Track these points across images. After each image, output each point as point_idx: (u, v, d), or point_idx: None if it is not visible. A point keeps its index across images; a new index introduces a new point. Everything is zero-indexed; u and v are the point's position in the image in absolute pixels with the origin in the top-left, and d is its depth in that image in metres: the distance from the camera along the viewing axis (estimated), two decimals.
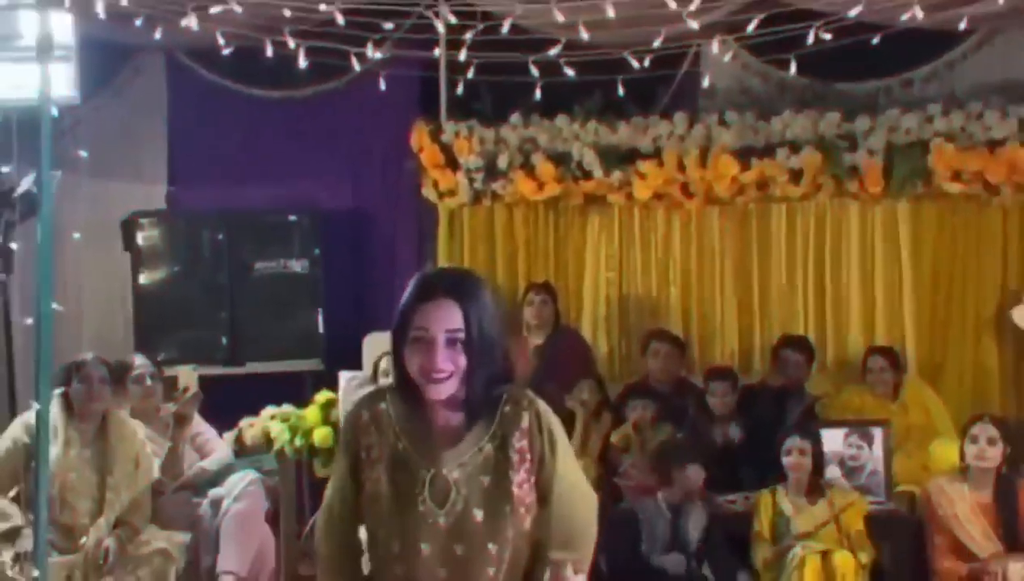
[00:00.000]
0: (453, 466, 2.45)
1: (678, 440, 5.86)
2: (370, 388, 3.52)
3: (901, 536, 5.60)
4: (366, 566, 2.54)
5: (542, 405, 2.54)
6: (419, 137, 7.14)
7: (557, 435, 2.54)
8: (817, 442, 5.55)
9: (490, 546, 2.43)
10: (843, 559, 5.25)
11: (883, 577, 5.53)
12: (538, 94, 6.86)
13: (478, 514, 2.42)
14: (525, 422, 2.48)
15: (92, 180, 7.35)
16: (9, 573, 4.61)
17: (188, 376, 5.37)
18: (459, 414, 2.49)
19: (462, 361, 2.43)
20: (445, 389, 2.43)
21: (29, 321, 3.86)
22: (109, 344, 6.89)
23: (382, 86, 6.97)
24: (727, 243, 7.10)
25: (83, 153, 3.94)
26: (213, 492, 5.39)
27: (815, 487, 5.52)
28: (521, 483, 2.46)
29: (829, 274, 6.97)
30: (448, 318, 2.42)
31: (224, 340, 7.30)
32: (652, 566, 5.37)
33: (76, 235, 3.98)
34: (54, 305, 3.89)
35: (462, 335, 2.42)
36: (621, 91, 6.88)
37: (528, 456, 2.47)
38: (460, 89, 6.99)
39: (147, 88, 7.74)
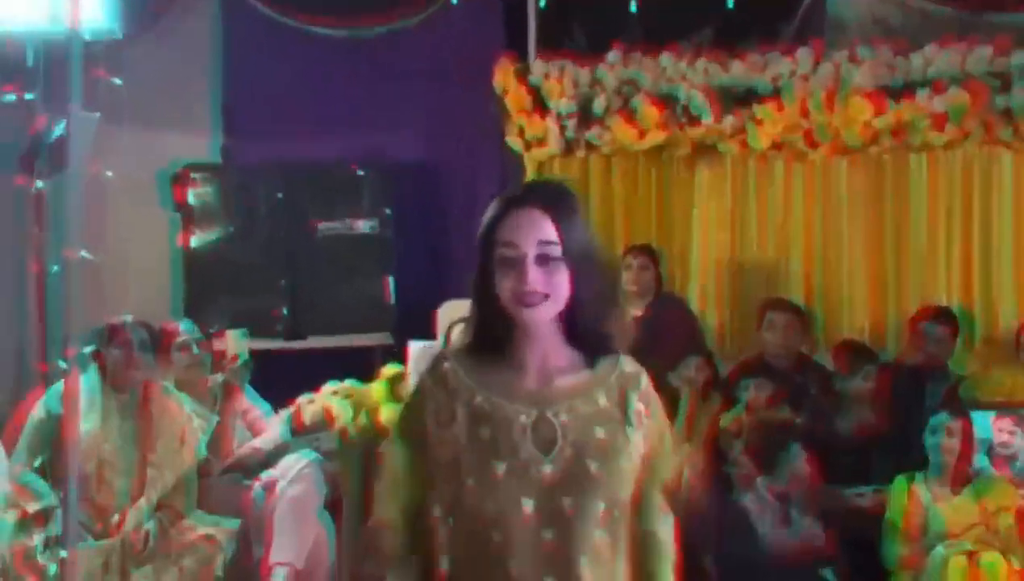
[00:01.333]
0: (561, 409, 2.35)
1: (783, 419, 5.71)
2: None
3: None
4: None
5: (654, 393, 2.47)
6: (503, 77, 7.05)
7: (662, 412, 2.48)
8: (968, 423, 5.38)
9: (601, 504, 2.32)
10: (993, 561, 5.10)
11: None
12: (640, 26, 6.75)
13: (592, 465, 2.32)
14: (644, 385, 2.42)
15: (131, 130, 7.34)
16: (39, 559, 4.61)
17: (236, 342, 5.33)
18: (564, 352, 2.40)
19: (560, 280, 2.33)
20: (541, 314, 2.34)
21: (55, 269, 3.84)
22: (151, 311, 6.89)
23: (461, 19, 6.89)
24: (858, 200, 6.93)
25: (116, 81, 3.87)
26: (266, 475, 5.35)
27: (963, 476, 5.35)
28: (637, 446, 2.38)
29: (977, 235, 6.78)
30: (539, 229, 2.33)
31: (284, 311, 7.27)
32: (767, 562, 5.27)
33: (108, 173, 3.92)
34: (83, 253, 3.87)
35: (557, 249, 2.32)
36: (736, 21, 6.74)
37: (646, 421, 2.40)
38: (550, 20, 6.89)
39: (197, 28, 7.71)
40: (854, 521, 5.55)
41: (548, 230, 2.33)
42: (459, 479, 2.33)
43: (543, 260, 2.32)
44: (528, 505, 2.30)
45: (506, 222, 2.35)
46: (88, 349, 4.14)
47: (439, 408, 2.38)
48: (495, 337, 2.39)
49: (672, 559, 2.46)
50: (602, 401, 2.37)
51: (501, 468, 2.30)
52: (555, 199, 2.38)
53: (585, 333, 2.39)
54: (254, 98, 7.66)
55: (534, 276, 2.31)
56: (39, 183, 4.91)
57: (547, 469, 2.31)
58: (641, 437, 2.38)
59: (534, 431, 2.33)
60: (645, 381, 2.43)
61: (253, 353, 6.73)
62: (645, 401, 2.40)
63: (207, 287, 7.20)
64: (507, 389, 2.37)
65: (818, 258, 7.02)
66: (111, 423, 4.98)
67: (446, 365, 2.41)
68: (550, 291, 2.32)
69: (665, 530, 2.45)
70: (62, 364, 4.00)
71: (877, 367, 6.22)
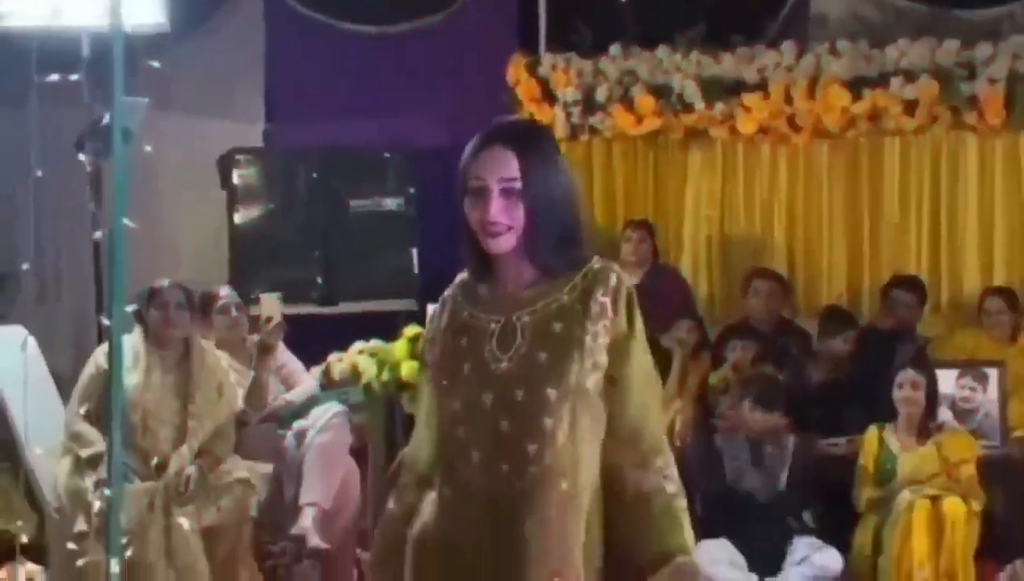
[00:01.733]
0: (523, 313, 2.32)
1: (766, 378, 5.63)
2: None
3: (1015, 482, 5.32)
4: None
5: (631, 286, 2.38)
6: (516, 70, 6.98)
7: (637, 320, 2.36)
8: (932, 378, 5.31)
9: (549, 391, 2.27)
10: (954, 506, 5.02)
11: (995, 524, 5.26)
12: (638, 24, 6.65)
13: (541, 355, 2.28)
14: (613, 281, 2.33)
15: (188, 119, 7.32)
16: (89, 499, 4.56)
17: (271, 305, 5.25)
18: (532, 270, 2.36)
19: (520, 214, 2.29)
20: (502, 243, 2.30)
21: (97, 234, 3.78)
22: (206, 285, 6.87)
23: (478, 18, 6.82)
24: (836, 179, 6.79)
25: (155, 64, 3.80)
26: (297, 424, 5.29)
27: (926, 427, 5.27)
28: (596, 335, 2.30)
29: (945, 212, 6.63)
30: (502, 167, 2.28)
31: (318, 279, 7.22)
32: (739, 495, 5.22)
33: (147, 148, 3.85)
34: (126, 221, 3.80)
35: (517, 185, 2.28)
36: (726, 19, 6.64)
37: (608, 313, 2.31)
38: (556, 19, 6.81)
39: (243, 26, 7.68)
40: (829, 468, 5.48)
41: (511, 167, 2.28)
42: (439, 383, 2.37)
43: (507, 193, 2.28)
44: (487, 398, 2.28)
45: (478, 158, 2.32)
46: (131, 308, 4.07)
47: (437, 326, 2.42)
48: (477, 259, 2.38)
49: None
50: (565, 299, 2.32)
51: (467, 367, 2.32)
52: (521, 137, 2.34)
53: (543, 258, 2.33)
54: (293, 88, 7.63)
55: (496, 208, 2.27)
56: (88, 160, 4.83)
57: (504, 365, 2.29)
58: (602, 328, 2.30)
59: (500, 334, 2.32)
60: (615, 279, 2.34)
61: (290, 318, 6.69)
62: (612, 297, 2.32)
63: (250, 259, 7.15)
64: (485, 303, 2.37)
65: (800, 232, 6.89)
66: (154, 377, 4.92)
67: (449, 291, 2.44)
68: (512, 223, 2.28)
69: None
70: (105, 321, 3.94)
71: (856, 332, 6.12)
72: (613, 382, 2.34)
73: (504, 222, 2.28)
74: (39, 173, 4.05)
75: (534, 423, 2.27)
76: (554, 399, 2.27)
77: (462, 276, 2.45)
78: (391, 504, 2.50)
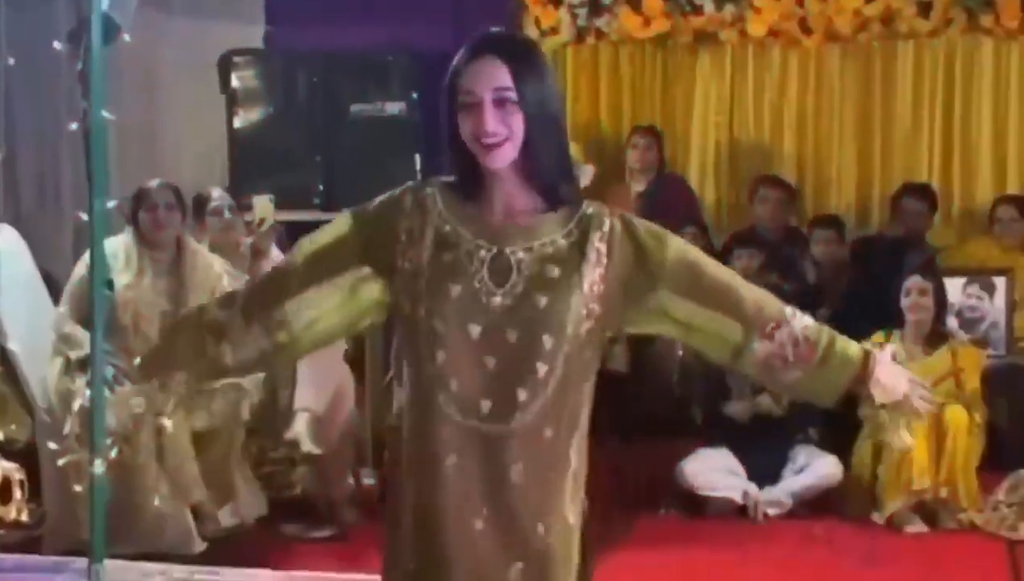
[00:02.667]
0: (519, 248, 2.23)
1: (772, 282, 5.56)
2: None
3: (1020, 392, 5.26)
4: None
5: (635, 219, 2.30)
6: None
7: (646, 240, 2.26)
8: (940, 285, 5.25)
9: (546, 338, 2.20)
10: (957, 415, 5.01)
11: (999, 435, 5.23)
12: None
13: (541, 300, 2.20)
14: (607, 226, 2.25)
15: (186, 19, 7.21)
16: (80, 401, 4.55)
17: (264, 207, 5.18)
18: (527, 196, 2.27)
19: (516, 124, 2.20)
20: (501, 155, 2.21)
21: (73, 126, 3.71)
22: (208, 183, 6.82)
23: None
24: (848, 84, 6.70)
25: None
26: None
27: (935, 336, 5.22)
28: (592, 284, 2.23)
29: (958, 118, 6.56)
30: (495, 76, 2.19)
31: (320, 185, 7.15)
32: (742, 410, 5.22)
33: (126, 37, 3.77)
34: (105, 113, 3.74)
35: (512, 95, 2.19)
36: None
37: (605, 260, 2.24)
38: None
39: None
40: None
41: (503, 77, 2.19)
42: (416, 294, 2.23)
43: (500, 104, 2.19)
44: (475, 330, 2.20)
45: (467, 71, 2.21)
46: (112, 204, 4.02)
47: (412, 226, 2.26)
48: (467, 179, 2.27)
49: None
50: (561, 242, 2.24)
51: (455, 291, 2.21)
52: (509, 47, 2.24)
53: (543, 176, 2.25)
54: None
55: (491, 119, 2.18)
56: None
57: (497, 299, 2.21)
58: (598, 275, 2.23)
59: (492, 264, 2.22)
60: (609, 223, 2.25)
61: (290, 224, 6.65)
62: (608, 242, 2.24)
63: (250, 163, 7.08)
64: (473, 224, 2.26)
65: (810, 138, 6.82)
66: (146, 279, 4.87)
67: (428, 190, 2.29)
68: (508, 134, 2.20)
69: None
70: (83, 217, 3.88)
71: (832, 230, 6.11)
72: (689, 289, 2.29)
73: (502, 132, 2.20)
74: (11, 61, 3.96)
75: (526, 368, 2.20)
76: (550, 346, 2.21)
77: (442, 180, 2.32)
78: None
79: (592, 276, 2.23)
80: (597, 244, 2.24)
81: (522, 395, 2.20)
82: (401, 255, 2.26)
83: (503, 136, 2.20)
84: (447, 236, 2.25)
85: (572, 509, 2.27)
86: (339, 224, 2.36)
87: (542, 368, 2.20)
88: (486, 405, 2.20)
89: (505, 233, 2.25)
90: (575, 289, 2.21)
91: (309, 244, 2.36)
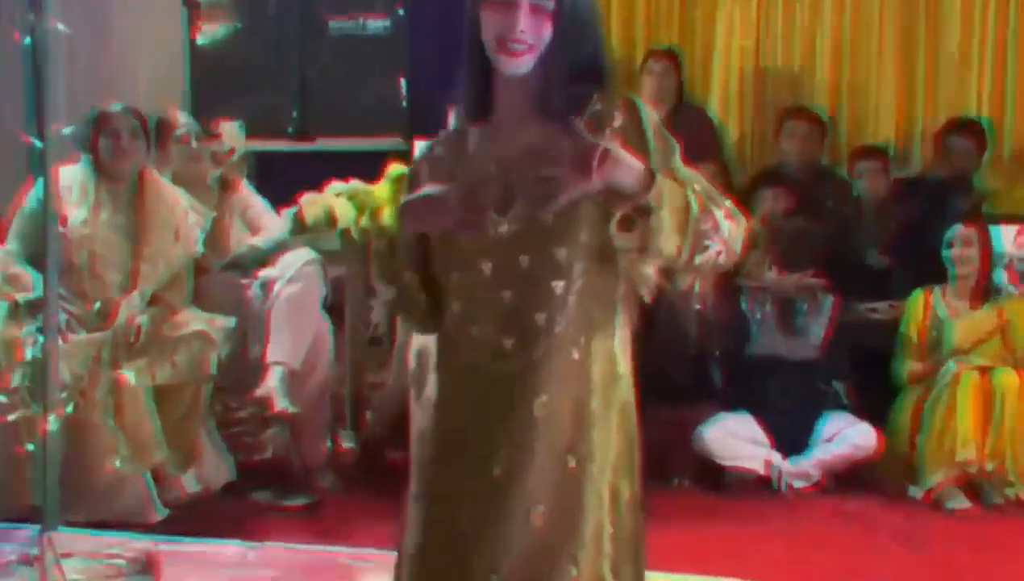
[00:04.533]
0: (519, 172, 2.32)
1: (793, 232, 5.60)
2: None
3: None
4: None
5: (647, 109, 2.37)
6: None
7: (651, 141, 2.33)
8: (988, 234, 5.29)
9: (558, 250, 2.31)
10: (1007, 378, 5.06)
11: None
12: None
13: (546, 217, 2.27)
14: (617, 122, 2.33)
15: None
16: (27, 350, 4.57)
17: (232, 134, 5.20)
18: (538, 108, 2.35)
19: (546, 33, 2.31)
20: (521, 63, 2.30)
21: (26, 41, 3.70)
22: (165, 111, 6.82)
23: None
24: (889, 4, 6.69)
25: None
26: (264, 272, 5.26)
27: (981, 290, 5.27)
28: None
29: (1012, 43, 6.54)
30: None
31: (293, 111, 7.15)
32: (765, 365, 5.24)
33: None
34: (60, 26, 3.73)
35: (550, 4, 2.30)
36: None
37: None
38: None
39: None
40: (867, 336, 5.48)
41: None
42: (433, 251, 2.40)
43: (536, 11, 2.29)
44: (487, 266, 2.32)
45: None
46: (67, 130, 4.02)
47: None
48: (478, 94, 2.37)
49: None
50: (566, 146, 2.28)
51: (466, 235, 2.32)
52: None
53: (555, 85, 2.32)
54: None
55: (527, 21, 2.28)
56: None
57: (503, 228, 2.31)
58: None
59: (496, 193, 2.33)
60: (620, 118, 2.33)
61: (260, 154, 6.65)
62: (622, 133, 2.32)
63: (214, 85, 7.08)
64: (476, 161, 2.38)
65: (846, 67, 6.82)
66: (103, 214, 4.87)
67: (437, 150, 2.46)
68: (536, 42, 2.30)
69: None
70: (37, 143, 3.88)
71: (878, 161, 6.13)
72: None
73: (529, 39, 2.29)
74: None
75: (542, 289, 2.31)
76: (564, 259, 2.30)
77: (440, 136, 2.48)
78: None
79: None
80: (607, 139, 2.28)
81: (541, 319, 2.31)
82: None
83: (529, 43, 2.29)
84: (451, 173, 2.38)
85: (607, 435, 2.35)
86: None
87: (558, 286, 2.31)
88: (508, 343, 2.32)
89: (507, 158, 2.35)
90: (584, 196, 2.25)
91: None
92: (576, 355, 2.32)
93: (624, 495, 2.39)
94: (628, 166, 2.21)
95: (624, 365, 2.40)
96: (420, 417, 2.43)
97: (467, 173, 2.35)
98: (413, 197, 2.37)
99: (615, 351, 2.38)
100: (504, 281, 2.32)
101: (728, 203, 2.36)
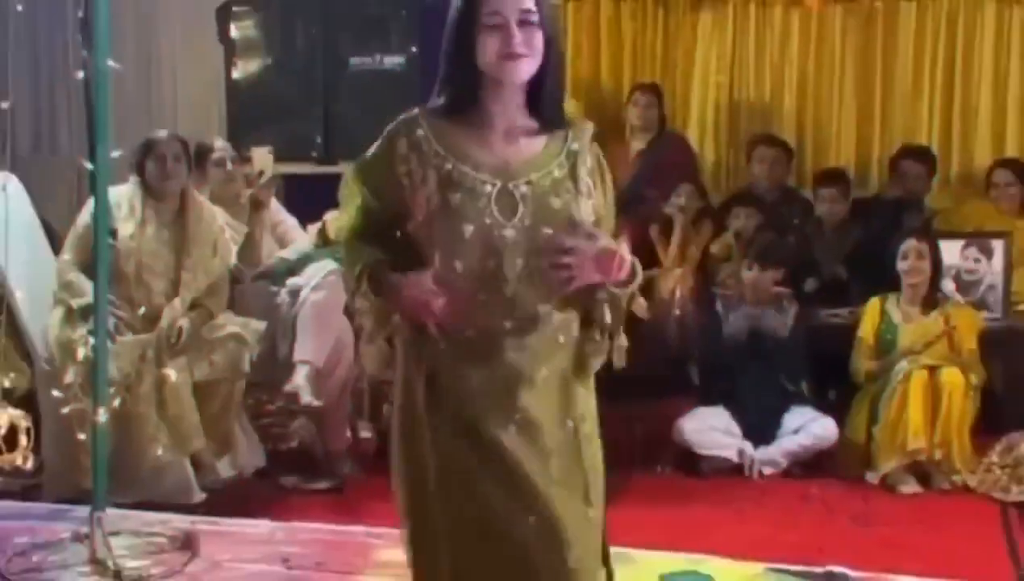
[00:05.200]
0: (520, 182, 2.42)
1: (766, 238, 5.59)
2: None
3: (1017, 354, 5.32)
4: None
5: (601, 159, 2.54)
6: None
7: (609, 188, 2.56)
8: (937, 248, 5.28)
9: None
10: (952, 376, 5.03)
11: (995, 398, 5.28)
12: None
13: (547, 231, 2.39)
14: (590, 162, 2.49)
15: None
16: (80, 350, 4.56)
17: (263, 159, 5.18)
18: (526, 120, 2.46)
19: (538, 43, 2.39)
20: (524, 68, 2.39)
21: (80, 75, 3.70)
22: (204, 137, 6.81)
23: None
24: (849, 44, 6.70)
25: None
26: (291, 281, 5.26)
27: (930, 298, 5.26)
28: (586, 214, 2.45)
29: (959, 80, 6.55)
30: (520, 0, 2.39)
31: (318, 138, 7.14)
32: (737, 365, 5.24)
33: None
34: (111, 62, 3.73)
35: (534, 16, 2.39)
36: None
37: (593, 193, 2.49)
38: None
39: None
40: (829, 339, 5.48)
41: (527, 0, 2.37)
42: (431, 237, 2.40)
43: (523, 25, 2.37)
44: (491, 263, 2.37)
45: None
46: (116, 154, 4.02)
47: (411, 170, 2.41)
48: (467, 99, 2.43)
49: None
50: (557, 173, 2.44)
51: (469, 230, 2.37)
52: None
53: (548, 95, 2.44)
54: None
55: (518, 38, 2.36)
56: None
57: (508, 232, 2.37)
58: (591, 206, 2.46)
59: (498, 199, 2.39)
60: (592, 157, 2.49)
61: (289, 176, 6.65)
62: (592, 176, 2.48)
63: (248, 115, 7.05)
64: (474, 159, 2.41)
65: (810, 100, 6.81)
66: (149, 229, 4.85)
67: (420, 132, 2.43)
68: (530, 52, 2.38)
69: None
70: (90, 166, 3.88)
71: (836, 188, 6.11)
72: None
73: (524, 50, 2.37)
74: (19, 7, 3.94)
75: (538, 287, 2.39)
76: (555, 272, 2.38)
77: (427, 112, 2.47)
78: None
79: (586, 207, 2.45)
80: (585, 178, 2.46)
81: (537, 310, 2.40)
82: (410, 201, 2.41)
83: (525, 53, 2.37)
84: (450, 175, 2.39)
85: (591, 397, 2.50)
86: (351, 190, 2.54)
87: (547, 292, 2.40)
88: (509, 325, 2.38)
89: (507, 168, 2.41)
90: (573, 218, 2.41)
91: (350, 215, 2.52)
92: (561, 339, 2.43)
93: (597, 438, 2.51)
94: (626, 266, 2.40)
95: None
96: (417, 394, 2.44)
97: (465, 174, 2.38)
98: (409, 280, 2.38)
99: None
100: (505, 277, 2.37)
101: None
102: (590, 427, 2.48)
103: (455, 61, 2.43)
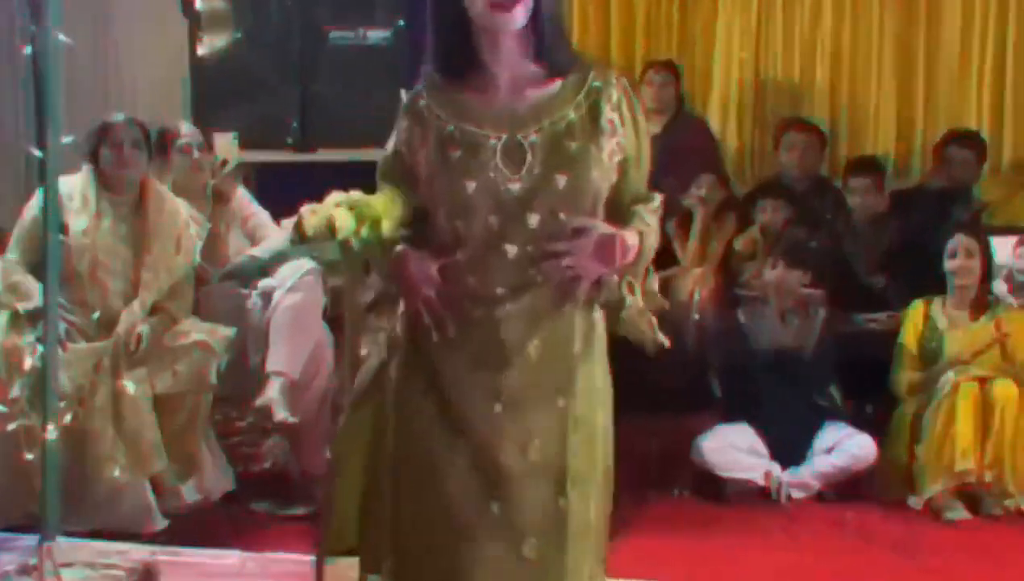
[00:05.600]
0: (530, 130, 2.50)
1: (794, 235, 5.60)
2: None
3: None
4: None
5: (634, 96, 2.61)
6: None
7: (642, 124, 2.62)
8: (987, 245, 5.29)
9: (564, 216, 2.48)
10: (1005, 389, 5.03)
11: None
12: None
13: (560, 179, 2.48)
14: (615, 96, 2.55)
15: None
16: (27, 359, 4.56)
17: (226, 146, 5.20)
18: (531, 67, 2.54)
19: None
20: (516, 17, 2.46)
21: (27, 50, 3.71)
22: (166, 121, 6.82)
23: None
24: (888, 16, 6.75)
25: None
26: (264, 283, 5.26)
27: (980, 301, 5.27)
28: (611, 154, 2.53)
29: (1011, 57, 6.58)
30: None
31: (293, 122, 7.14)
32: (763, 375, 5.27)
33: None
34: (62, 37, 3.73)
35: None
36: None
37: (620, 131, 2.55)
38: None
39: None
40: (866, 347, 5.48)
41: None
42: (434, 199, 2.53)
43: None
44: (494, 221, 2.47)
45: None
46: (67, 140, 4.02)
47: (413, 137, 2.58)
48: (463, 57, 2.53)
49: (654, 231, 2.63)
50: (572, 115, 2.51)
51: (471, 186, 2.47)
52: None
53: (548, 36, 2.51)
54: None
55: None
56: None
57: (515, 186, 2.47)
58: (616, 145, 2.54)
59: (504, 152, 2.48)
60: (616, 92, 2.55)
61: (261, 165, 6.65)
62: (618, 111, 2.55)
63: (215, 97, 7.05)
64: (477, 114, 2.51)
65: (844, 78, 6.86)
66: (104, 223, 4.85)
67: (421, 103, 2.57)
68: None
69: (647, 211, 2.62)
70: (38, 153, 3.89)
71: (870, 178, 6.10)
72: (626, 168, 2.59)
73: None
74: None
75: (546, 251, 2.47)
76: (567, 223, 2.48)
77: (428, 82, 2.60)
78: None
79: (610, 145, 2.53)
80: (609, 114, 2.53)
81: (539, 277, 2.48)
82: (413, 167, 2.58)
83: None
84: (451, 135, 2.51)
85: (597, 370, 2.59)
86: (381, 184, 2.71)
87: (560, 246, 2.48)
88: (502, 291, 2.48)
89: (513, 116, 2.51)
90: (594, 162, 2.50)
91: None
92: (566, 308, 2.52)
93: (600, 423, 2.59)
94: (631, 247, 2.51)
95: (598, 311, 2.61)
96: (410, 365, 2.56)
97: (466, 132, 2.49)
98: (413, 259, 2.55)
99: (593, 300, 2.58)
100: (509, 236, 2.47)
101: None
102: (586, 409, 2.56)
103: (444, 18, 2.52)
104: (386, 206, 2.67)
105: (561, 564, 2.53)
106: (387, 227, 5.48)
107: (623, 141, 2.54)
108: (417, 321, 2.53)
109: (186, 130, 5.44)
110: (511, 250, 2.47)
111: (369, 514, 2.62)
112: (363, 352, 2.68)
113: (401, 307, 2.61)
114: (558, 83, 2.54)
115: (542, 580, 2.51)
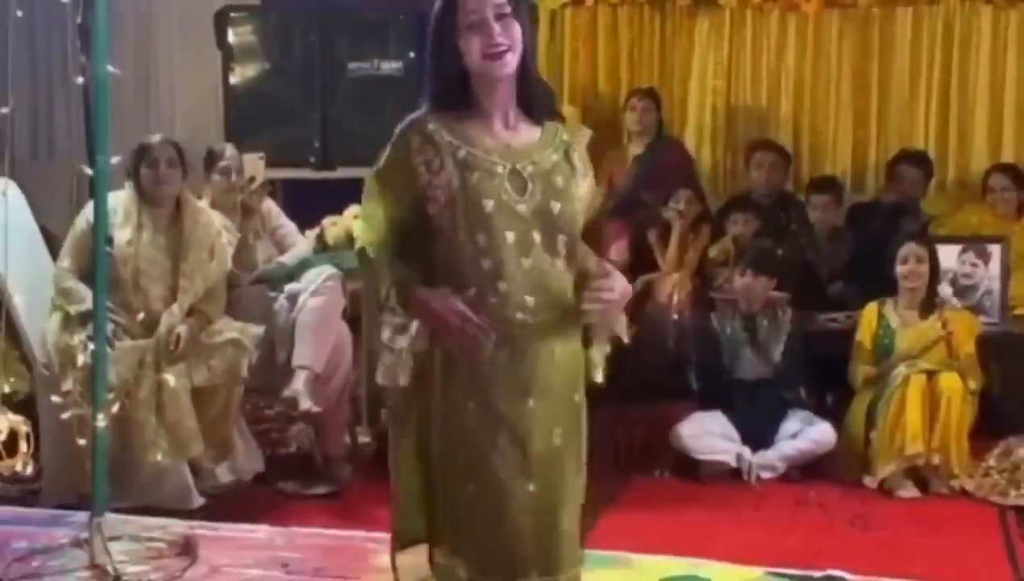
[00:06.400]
0: (526, 164, 2.58)
1: (760, 245, 5.60)
2: None
3: (1014, 359, 5.32)
4: None
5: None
6: None
7: (591, 172, 2.73)
8: (935, 253, 5.27)
9: (560, 237, 2.57)
10: (950, 381, 5.02)
11: (993, 403, 5.27)
12: None
13: (555, 205, 2.57)
14: (580, 149, 2.68)
15: None
16: (79, 356, 4.56)
17: (254, 165, 5.18)
18: (517, 111, 2.61)
19: (516, 34, 2.54)
20: (508, 62, 2.53)
21: (79, 80, 3.70)
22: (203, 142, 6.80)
23: None
24: (846, 50, 6.73)
25: None
26: (290, 287, 5.25)
27: (928, 302, 5.26)
28: (583, 192, 2.66)
29: (955, 86, 6.57)
30: None
31: (316, 143, 7.13)
32: (735, 370, 5.25)
33: None
34: (110, 68, 3.73)
35: (507, 8, 2.53)
36: None
37: (584, 173, 2.66)
38: None
39: None
40: (827, 344, 5.48)
41: None
42: (454, 217, 2.51)
43: (499, 18, 2.51)
44: (510, 236, 2.53)
45: None
46: (115, 160, 4.02)
47: (429, 160, 2.54)
48: (459, 96, 2.56)
49: None
50: (555, 157, 2.62)
51: (489, 205, 2.52)
52: None
53: (534, 87, 2.62)
54: None
55: (497, 31, 2.50)
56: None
57: (522, 207, 2.54)
58: (585, 188, 2.66)
59: (510, 179, 2.55)
60: (580, 146, 2.68)
61: (287, 181, 6.65)
62: (582, 160, 2.67)
63: (245, 120, 7.03)
64: (479, 142, 2.56)
65: (807, 105, 6.83)
66: (145, 235, 4.84)
67: (430, 127, 2.56)
68: (511, 43, 2.52)
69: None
70: (88, 171, 3.88)
71: (828, 196, 6.11)
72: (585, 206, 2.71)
73: (506, 42, 2.51)
74: (19, 13, 3.94)
75: (550, 262, 2.56)
76: (562, 244, 2.58)
77: (425, 115, 2.58)
78: None
79: (583, 185, 2.65)
80: (577, 162, 2.65)
81: (552, 285, 2.56)
82: (428, 186, 2.54)
83: (507, 45, 2.51)
84: (465, 160, 2.53)
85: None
86: (374, 202, 2.67)
87: (560, 263, 2.58)
88: (530, 300, 2.54)
89: (509, 148, 2.58)
90: (575, 196, 2.62)
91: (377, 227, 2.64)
92: (571, 315, 2.58)
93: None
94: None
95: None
96: (449, 374, 2.56)
97: (478, 157, 2.52)
98: (433, 298, 2.48)
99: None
100: (523, 249, 2.54)
101: None
102: (582, 396, 2.66)
103: (440, 63, 2.57)
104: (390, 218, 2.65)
105: (576, 529, 2.65)
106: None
107: (587, 186, 2.67)
108: (458, 350, 2.53)
109: (229, 154, 5.42)
110: (526, 263, 2.53)
111: (429, 500, 2.66)
112: (384, 336, 2.60)
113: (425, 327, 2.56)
114: (538, 129, 2.63)
115: (569, 544, 2.61)
